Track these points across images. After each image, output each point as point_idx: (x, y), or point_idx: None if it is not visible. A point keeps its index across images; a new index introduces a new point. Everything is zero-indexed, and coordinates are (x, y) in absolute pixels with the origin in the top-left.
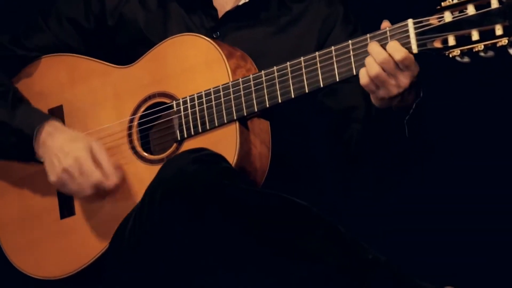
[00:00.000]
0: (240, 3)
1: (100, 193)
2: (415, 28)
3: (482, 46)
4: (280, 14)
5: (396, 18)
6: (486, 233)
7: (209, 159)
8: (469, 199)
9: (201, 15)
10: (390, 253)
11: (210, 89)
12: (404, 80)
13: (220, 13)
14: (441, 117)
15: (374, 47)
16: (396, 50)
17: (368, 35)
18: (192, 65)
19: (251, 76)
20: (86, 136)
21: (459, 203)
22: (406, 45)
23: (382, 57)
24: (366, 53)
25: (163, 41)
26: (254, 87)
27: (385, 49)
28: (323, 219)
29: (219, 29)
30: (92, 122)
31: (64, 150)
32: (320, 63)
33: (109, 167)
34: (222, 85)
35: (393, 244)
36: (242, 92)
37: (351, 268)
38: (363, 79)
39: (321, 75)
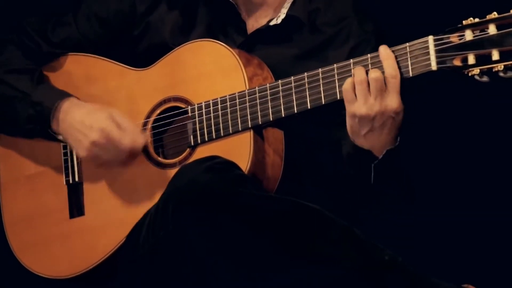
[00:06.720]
0: (272, 23)
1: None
2: (436, 45)
3: (502, 66)
4: (311, 38)
5: (415, 34)
6: (505, 230)
7: (222, 167)
8: (486, 195)
9: (231, 29)
10: (405, 253)
11: (226, 96)
12: (378, 104)
13: (249, 28)
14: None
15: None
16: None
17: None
18: (209, 71)
19: (267, 85)
20: (104, 107)
21: (476, 199)
22: (426, 61)
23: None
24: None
25: (181, 45)
26: (271, 96)
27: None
28: (337, 222)
29: (247, 45)
30: None
31: (86, 124)
32: (338, 75)
33: (134, 129)
34: (238, 92)
35: (408, 244)
36: (258, 101)
37: (368, 270)
38: (347, 84)
39: (339, 87)
